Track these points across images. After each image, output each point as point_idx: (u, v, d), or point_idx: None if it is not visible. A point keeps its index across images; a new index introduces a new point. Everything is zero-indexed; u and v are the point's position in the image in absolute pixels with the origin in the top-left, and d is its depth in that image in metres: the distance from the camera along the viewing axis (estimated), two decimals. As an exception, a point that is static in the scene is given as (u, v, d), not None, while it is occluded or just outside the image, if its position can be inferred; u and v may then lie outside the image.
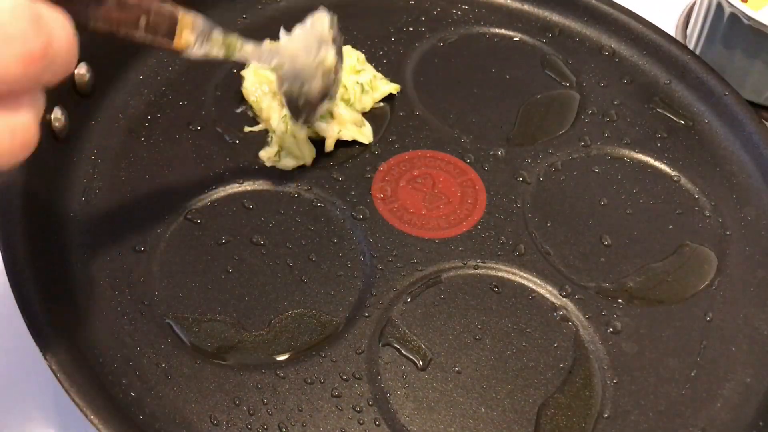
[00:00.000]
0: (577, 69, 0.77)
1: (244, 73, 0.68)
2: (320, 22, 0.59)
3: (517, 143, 0.70)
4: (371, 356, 0.54)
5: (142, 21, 0.42)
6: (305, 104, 0.59)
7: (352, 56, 0.71)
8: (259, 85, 0.67)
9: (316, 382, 0.52)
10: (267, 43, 0.55)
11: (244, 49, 0.52)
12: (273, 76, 0.64)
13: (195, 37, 0.47)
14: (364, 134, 0.67)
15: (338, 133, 0.65)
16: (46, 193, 0.57)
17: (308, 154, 0.64)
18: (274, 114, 0.65)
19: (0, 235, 0.52)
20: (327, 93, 0.60)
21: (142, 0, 0.41)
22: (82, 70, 0.62)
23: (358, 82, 0.68)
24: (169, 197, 0.61)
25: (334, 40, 0.59)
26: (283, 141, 0.64)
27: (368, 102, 0.69)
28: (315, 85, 0.59)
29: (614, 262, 0.62)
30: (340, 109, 0.66)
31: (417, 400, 0.53)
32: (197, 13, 0.48)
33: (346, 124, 0.66)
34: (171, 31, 0.44)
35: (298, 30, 0.58)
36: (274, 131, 0.65)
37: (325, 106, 0.62)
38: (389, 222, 0.62)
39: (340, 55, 0.61)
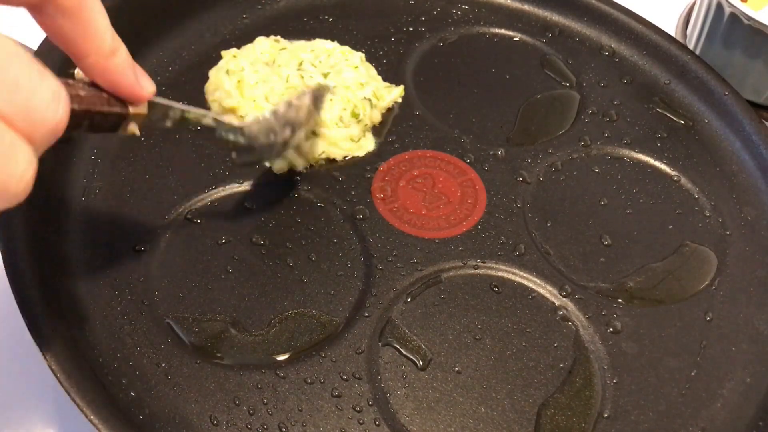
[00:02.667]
0: (577, 69, 0.77)
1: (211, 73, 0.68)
2: (296, 108, 0.58)
3: (517, 143, 0.70)
4: (371, 356, 0.54)
5: (85, 122, 0.41)
6: (252, 158, 0.57)
7: (354, 58, 0.71)
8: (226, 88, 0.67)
9: (316, 382, 0.53)
10: (228, 119, 0.54)
11: (204, 121, 0.51)
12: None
13: (139, 130, 0.45)
14: (362, 147, 0.67)
15: (321, 155, 0.65)
16: (46, 193, 0.57)
17: (300, 161, 0.64)
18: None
19: (0, 235, 0.52)
20: (287, 146, 0.60)
21: (89, 106, 0.40)
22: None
23: (365, 98, 0.68)
24: (169, 197, 0.61)
25: (308, 116, 0.59)
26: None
27: (377, 115, 0.69)
28: (270, 154, 0.58)
29: (614, 262, 0.62)
30: (330, 130, 0.65)
31: (417, 400, 0.53)
32: (155, 101, 0.46)
33: (338, 143, 0.66)
34: (115, 127, 0.44)
35: (268, 114, 0.56)
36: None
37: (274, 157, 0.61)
38: (389, 222, 0.62)
39: (317, 108, 0.61)
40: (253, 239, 0.60)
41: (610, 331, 0.58)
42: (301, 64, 0.69)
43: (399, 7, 0.80)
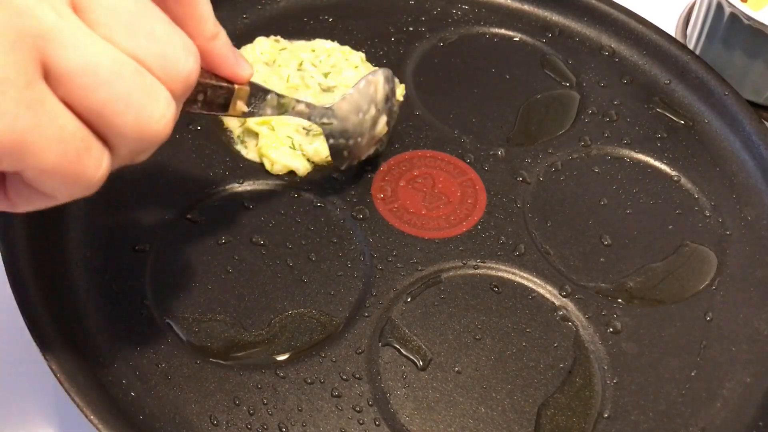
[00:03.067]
0: (577, 69, 0.77)
1: None
2: (374, 82, 0.61)
3: (517, 143, 0.70)
4: (371, 356, 0.54)
5: (200, 97, 0.44)
6: (350, 156, 0.62)
7: (354, 58, 0.71)
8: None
9: (316, 382, 0.53)
10: (316, 103, 0.58)
11: (297, 108, 0.54)
12: None
13: (247, 107, 0.48)
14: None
15: (327, 157, 0.64)
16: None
17: (302, 167, 0.64)
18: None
19: (0, 235, 0.52)
20: (372, 141, 0.63)
21: (202, 78, 0.43)
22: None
23: None
24: (169, 197, 0.61)
25: (387, 99, 0.62)
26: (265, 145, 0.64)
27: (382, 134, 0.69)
28: (362, 141, 0.61)
29: (614, 262, 0.62)
30: None
31: (417, 400, 0.53)
32: (254, 82, 0.49)
33: None
34: (225, 104, 0.46)
35: (352, 91, 0.59)
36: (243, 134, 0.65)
37: (370, 153, 0.64)
38: (389, 222, 0.62)
39: (391, 112, 0.64)
40: (253, 239, 0.60)
41: (610, 331, 0.58)
42: (301, 64, 0.69)
43: (399, 7, 0.80)
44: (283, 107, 0.52)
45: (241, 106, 0.48)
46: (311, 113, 0.56)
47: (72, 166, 0.34)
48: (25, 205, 0.37)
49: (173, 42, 0.36)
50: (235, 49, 0.46)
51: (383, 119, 0.63)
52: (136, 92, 0.34)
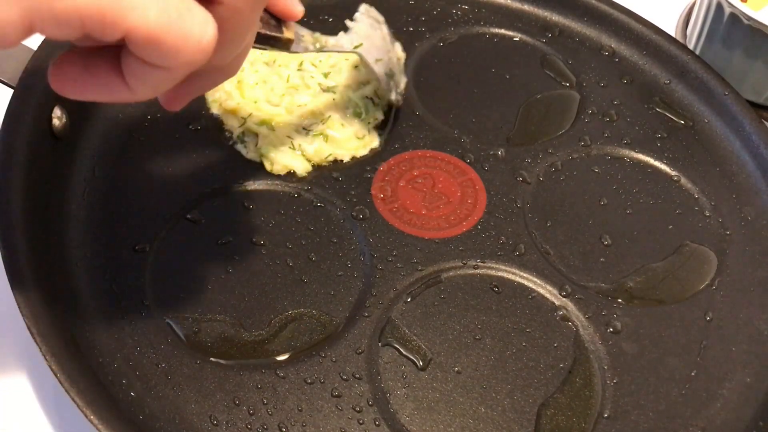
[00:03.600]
0: (577, 69, 0.77)
1: None
2: (367, 10, 0.68)
3: (517, 143, 0.70)
4: (371, 356, 0.54)
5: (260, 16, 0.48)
6: (393, 76, 0.67)
7: (354, 57, 0.71)
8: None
9: (316, 382, 0.53)
10: (341, 35, 0.65)
11: (329, 41, 0.62)
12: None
13: (294, 33, 0.55)
14: (367, 145, 0.66)
15: (328, 157, 0.65)
16: (46, 193, 0.57)
17: (302, 167, 0.64)
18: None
19: (0, 235, 0.52)
20: (401, 64, 0.69)
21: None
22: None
23: (366, 96, 0.68)
24: (169, 197, 0.61)
25: (385, 21, 0.68)
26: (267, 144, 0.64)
27: (379, 113, 0.69)
28: (393, 57, 0.68)
29: (614, 262, 0.62)
30: (336, 132, 0.65)
31: (417, 400, 0.53)
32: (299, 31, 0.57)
33: (344, 143, 0.65)
34: (279, 26, 0.53)
35: (353, 22, 0.66)
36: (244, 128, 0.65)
37: (405, 80, 0.69)
38: (389, 222, 0.62)
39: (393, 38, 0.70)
40: (253, 239, 0.60)
41: (610, 331, 0.58)
42: (301, 64, 0.69)
43: (399, 7, 0.80)
44: (318, 42, 0.60)
45: (291, 30, 0.55)
46: (341, 42, 0.63)
47: (175, 26, 0.34)
48: (142, 86, 0.38)
49: None
50: None
51: (398, 44, 0.69)
52: (180, 11, 0.35)
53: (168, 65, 0.36)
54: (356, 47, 0.64)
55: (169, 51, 0.35)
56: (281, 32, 0.54)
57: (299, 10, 0.53)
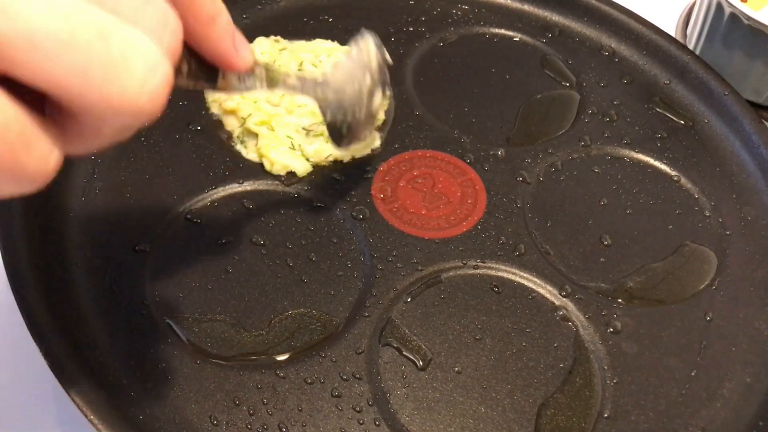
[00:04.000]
0: (577, 69, 0.77)
1: None
2: (365, 48, 0.57)
3: (517, 143, 0.70)
4: (371, 356, 0.54)
5: (184, 68, 0.39)
6: (349, 131, 0.57)
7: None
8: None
9: (316, 382, 0.53)
10: (310, 74, 0.54)
11: (288, 81, 0.50)
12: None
13: (237, 78, 0.44)
14: (368, 146, 0.66)
15: (328, 158, 0.65)
16: (46, 193, 0.57)
17: (302, 167, 0.64)
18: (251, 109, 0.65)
19: (0, 235, 0.52)
20: (372, 118, 0.59)
21: (185, 49, 0.39)
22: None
23: None
24: (169, 197, 0.61)
25: (381, 70, 0.58)
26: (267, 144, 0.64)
27: (381, 113, 0.69)
28: (360, 114, 0.57)
29: (614, 262, 0.62)
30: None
31: (417, 400, 0.53)
32: None
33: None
34: (213, 77, 0.42)
35: (344, 60, 0.56)
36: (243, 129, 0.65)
37: (368, 133, 0.60)
38: (389, 222, 0.62)
39: (385, 81, 0.60)
40: (253, 239, 0.60)
41: (610, 331, 0.58)
42: (301, 64, 0.69)
43: (399, 7, 0.80)
44: (273, 81, 0.48)
45: (231, 79, 0.43)
46: (305, 86, 0.52)
47: (6, 164, 0.29)
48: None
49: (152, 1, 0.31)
50: (235, 31, 0.40)
51: (379, 93, 0.58)
52: (96, 61, 0.28)
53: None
54: (319, 98, 0.54)
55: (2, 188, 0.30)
56: (214, 85, 0.42)
57: (244, 63, 0.41)
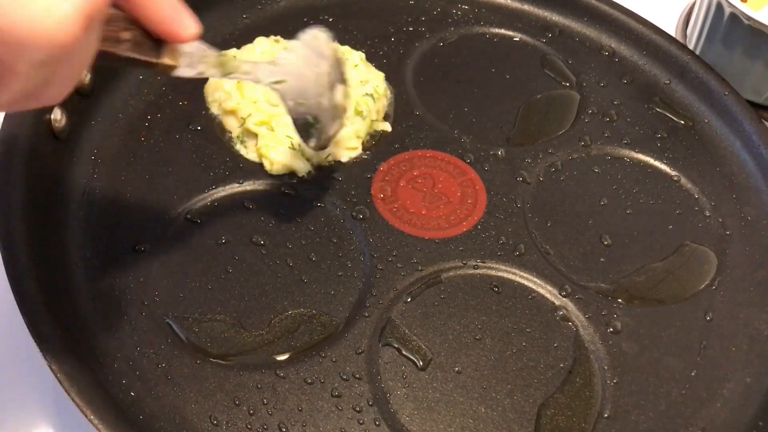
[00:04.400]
0: (577, 69, 0.77)
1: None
2: (316, 37, 0.55)
3: (517, 143, 0.70)
4: (371, 356, 0.54)
5: (127, 35, 0.38)
6: (315, 124, 0.55)
7: (354, 57, 0.71)
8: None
9: (316, 382, 0.52)
10: (263, 64, 0.52)
11: (241, 67, 0.49)
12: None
13: (182, 56, 0.43)
14: (369, 142, 0.67)
15: (327, 158, 0.65)
16: (46, 193, 0.57)
17: (302, 167, 0.64)
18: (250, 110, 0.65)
19: (0, 235, 0.52)
20: (338, 111, 0.57)
21: (127, 15, 0.38)
22: (82, 70, 0.62)
23: (366, 94, 0.68)
24: (169, 197, 0.61)
25: (335, 60, 0.56)
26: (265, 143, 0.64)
27: (381, 108, 0.69)
28: (324, 102, 0.55)
29: (614, 262, 0.62)
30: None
31: (417, 400, 0.53)
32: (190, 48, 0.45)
33: (346, 142, 0.65)
34: (158, 49, 0.40)
35: (295, 43, 0.54)
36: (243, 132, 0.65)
37: (337, 127, 0.58)
38: (389, 222, 0.62)
39: (343, 77, 0.58)
40: (253, 239, 0.60)
41: (610, 331, 0.58)
42: None
43: (399, 7, 0.80)
44: (224, 67, 0.47)
45: (178, 58, 0.42)
46: (257, 73, 0.50)
47: None
48: None
49: None
50: (178, 1, 0.39)
51: (341, 86, 0.56)
52: None
53: None
54: (276, 83, 0.52)
55: None
56: (158, 57, 0.42)
57: (187, 33, 0.40)
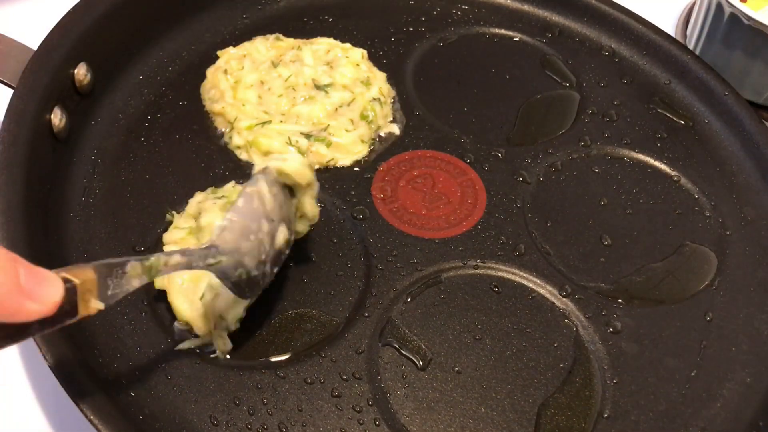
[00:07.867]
0: (577, 69, 0.77)
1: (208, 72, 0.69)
2: (257, 195, 0.50)
3: (517, 143, 0.70)
4: (371, 356, 0.54)
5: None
6: (253, 281, 0.51)
7: (355, 54, 0.71)
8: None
9: (316, 382, 0.52)
10: (196, 246, 0.48)
11: (170, 262, 0.44)
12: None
13: (102, 300, 0.39)
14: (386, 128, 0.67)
15: (329, 162, 0.65)
16: (46, 193, 0.57)
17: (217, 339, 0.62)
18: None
19: (0, 235, 0.52)
20: (280, 255, 0.53)
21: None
22: (82, 70, 0.62)
23: (373, 98, 0.67)
24: (169, 197, 0.61)
25: (281, 205, 0.52)
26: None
27: (389, 112, 0.69)
28: (267, 264, 0.52)
29: (614, 262, 0.62)
30: (340, 138, 0.65)
31: (417, 400, 0.53)
32: (100, 262, 0.40)
33: (348, 147, 0.65)
34: (72, 309, 0.37)
35: (232, 217, 0.49)
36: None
37: (278, 265, 0.54)
38: (389, 222, 0.62)
39: (288, 216, 0.54)
40: (253, 239, 0.59)
41: (610, 331, 0.58)
42: (289, 139, 0.68)
43: (399, 7, 0.80)
44: (152, 270, 0.43)
45: (95, 303, 0.38)
46: (191, 260, 0.46)
47: None
48: None
49: None
50: (32, 273, 0.34)
51: (283, 229, 0.52)
52: None
53: None
54: (211, 265, 0.47)
55: None
56: (74, 315, 0.38)
57: (50, 301, 0.35)
